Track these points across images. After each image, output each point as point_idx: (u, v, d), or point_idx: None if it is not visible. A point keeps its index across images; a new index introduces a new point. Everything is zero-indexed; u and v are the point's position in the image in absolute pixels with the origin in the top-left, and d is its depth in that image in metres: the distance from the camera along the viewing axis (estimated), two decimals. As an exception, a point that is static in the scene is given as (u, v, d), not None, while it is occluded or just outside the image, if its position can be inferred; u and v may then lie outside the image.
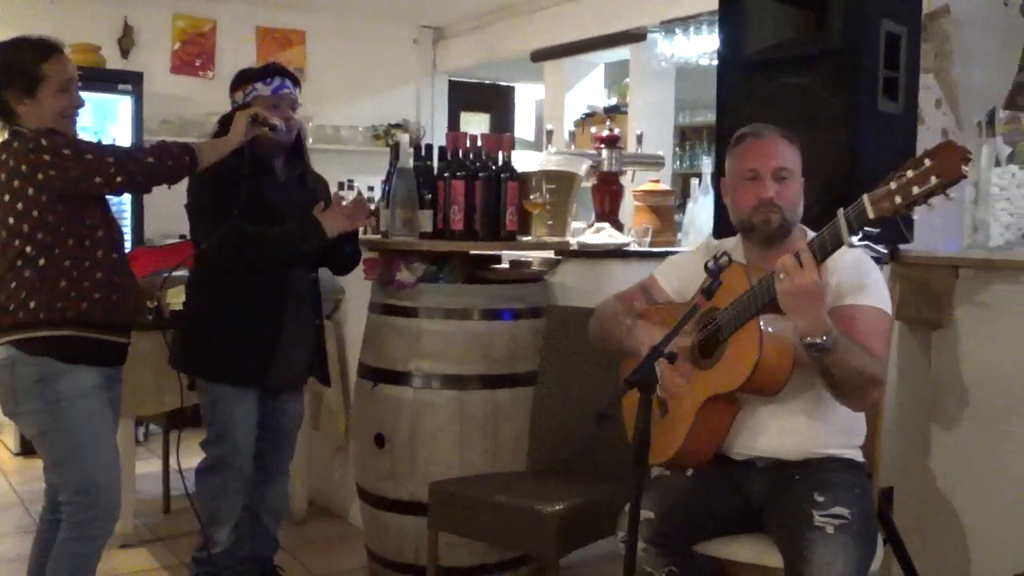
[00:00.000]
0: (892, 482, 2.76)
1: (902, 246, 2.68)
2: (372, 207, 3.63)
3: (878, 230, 1.94)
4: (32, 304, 2.50)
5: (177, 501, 4.32)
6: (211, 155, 2.76)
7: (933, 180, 1.82)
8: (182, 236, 4.91)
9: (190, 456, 3.11)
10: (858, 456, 2.32)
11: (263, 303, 3.00)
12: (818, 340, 1.99)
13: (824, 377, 2.08)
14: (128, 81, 5.84)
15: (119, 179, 2.55)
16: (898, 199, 1.86)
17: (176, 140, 2.77)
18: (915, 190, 1.83)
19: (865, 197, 1.90)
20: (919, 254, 2.68)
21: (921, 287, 2.64)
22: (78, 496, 2.59)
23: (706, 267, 2.11)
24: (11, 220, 2.50)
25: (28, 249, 2.50)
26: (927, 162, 1.82)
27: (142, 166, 2.59)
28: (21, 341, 2.52)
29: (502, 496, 2.83)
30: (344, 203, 3.11)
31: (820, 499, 2.14)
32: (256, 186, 2.91)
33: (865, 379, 2.07)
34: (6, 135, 2.60)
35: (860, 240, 1.95)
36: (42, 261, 2.51)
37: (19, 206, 2.48)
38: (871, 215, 1.89)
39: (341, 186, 3.57)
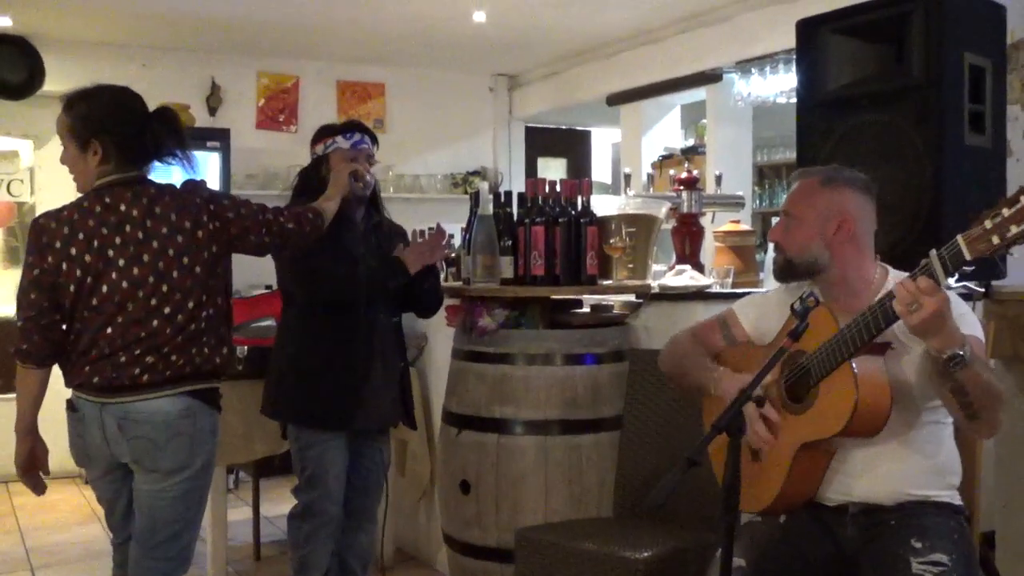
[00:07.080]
0: (993, 526, 2.66)
1: (995, 282, 2.61)
2: (452, 254, 3.69)
3: (972, 268, 1.89)
4: (205, 353, 2.54)
5: (268, 547, 4.39)
6: (331, 213, 2.87)
7: None
8: (268, 287, 5.03)
9: (283, 503, 3.15)
10: (955, 499, 2.25)
11: (348, 347, 3.08)
12: (959, 351, 1.93)
13: (958, 397, 2.00)
14: (216, 138, 5.99)
15: (266, 239, 2.64)
16: (995, 239, 1.81)
17: (304, 206, 2.84)
18: (1013, 229, 1.78)
19: (960, 238, 1.86)
20: (1014, 290, 2.61)
21: (1016, 323, 2.57)
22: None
23: (792, 309, 2.09)
24: (175, 274, 2.50)
25: (191, 304, 2.51)
26: (1023, 200, 1.78)
27: (283, 231, 2.68)
28: (201, 391, 2.55)
29: (589, 543, 2.81)
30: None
31: (917, 545, 2.07)
32: (338, 233, 3.02)
33: (995, 396, 2.01)
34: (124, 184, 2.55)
35: (956, 281, 1.90)
36: (207, 312, 2.55)
37: (184, 260, 2.51)
38: (968, 256, 1.85)
39: (422, 233, 3.62)
